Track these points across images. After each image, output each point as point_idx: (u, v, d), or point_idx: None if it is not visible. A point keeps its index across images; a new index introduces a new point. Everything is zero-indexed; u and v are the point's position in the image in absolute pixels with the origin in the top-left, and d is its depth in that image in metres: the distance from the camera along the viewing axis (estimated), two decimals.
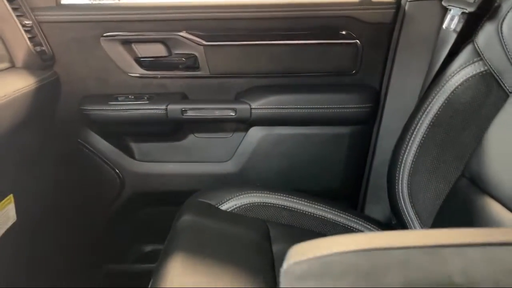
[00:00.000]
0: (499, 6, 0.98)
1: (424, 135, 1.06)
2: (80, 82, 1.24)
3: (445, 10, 1.10)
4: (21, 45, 1.03)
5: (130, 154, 1.34)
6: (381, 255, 0.35)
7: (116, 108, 1.24)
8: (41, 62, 1.09)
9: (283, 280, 0.36)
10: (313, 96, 1.25)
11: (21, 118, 0.97)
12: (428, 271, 0.33)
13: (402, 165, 1.07)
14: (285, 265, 0.37)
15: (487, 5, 1.01)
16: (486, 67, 0.97)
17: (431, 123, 1.04)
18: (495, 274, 0.33)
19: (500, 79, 0.94)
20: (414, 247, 0.36)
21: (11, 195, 0.95)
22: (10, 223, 0.95)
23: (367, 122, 1.30)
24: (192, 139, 1.35)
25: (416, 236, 0.38)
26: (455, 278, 0.33)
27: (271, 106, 1.25)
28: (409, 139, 1.07)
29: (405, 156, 1.08)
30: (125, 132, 1.33)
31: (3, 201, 0.92)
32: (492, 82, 0.96)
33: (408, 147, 1.07)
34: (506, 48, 0.93)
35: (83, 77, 1.24)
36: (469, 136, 1.00)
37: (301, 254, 0.37)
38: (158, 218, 1.37)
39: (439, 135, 1.04)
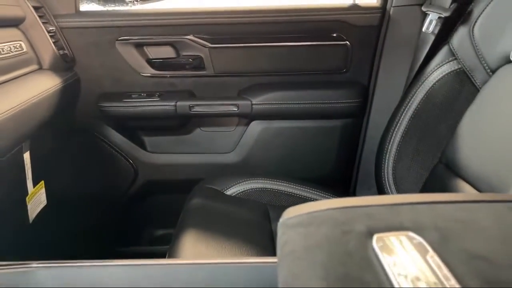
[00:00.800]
0: (471, 11, 1.08)
1: (407, 127, 1.16)
2: (97, 81, 1.33)
3: (425, 15, 1.20)
4: (47, 49, 1.14)
5: (143, 146, 1.44)
6: (352, 210, 0.47)
7: (130, 105, 1.34)
8: (64, 64, 1.20)
9: (279, 230, 0.47)
10: (307, 92, 1.34)
11: (49, 114, 1.08)
12: (385, 220, 0.45)
13: (388, 153, 1.18)
14: (281, 220, 0.48)
15: (460, 10, 1.12)
16: (459, 66, 1.07)
17: (413, 116, 1.15)
18: (436, 221, 0.45)
19: (471, 76, 1.05)
20: (377, 205, 0.47)
21: (42, 182, 1.06)
22: (41, 206, 1.06)
23: (357, 116, 1.40)
24: (198, 132, 1.45)
25: (380, 198, 0.50)
26: (404, 223, 0.44)
27: (270, 102, 1.35)
28: (394, 130, 1.17)
29: (390, 145, 1.18)
30: (137, 126, 1.43)
31: (36, 186, 1.03)
32: (465, 79, 1.06)
33: (393, 137, 1.17)
34: (477, 49, 1.03)
35: (100, 77, 1.33)
36: (445, 126, 1.10)
37: (293, 212, 0.49)
38: (168, 204, 1.46)
39: (419, 126, 1.14)
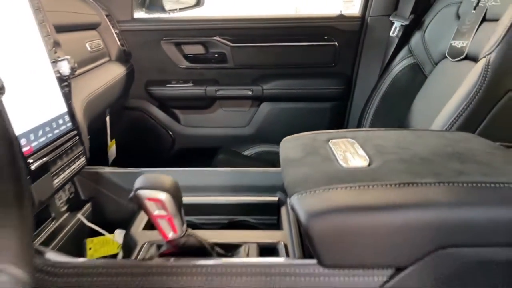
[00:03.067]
0: (423, 21, 1.44)
1: (377, 107, 1.51)
2: (146, 71, 1.69)
3: (392, 23, 1.56)
4: (114, 46, 1.50)
5: (178, 121, 1.79)
6: (321, 134, 0.84)
7: (170, 89, 1.70)
8: (124, 57, 1.56)
9: (280, 149, 0.82)
10: (305, 81, 1.70)
11: (116, 93, 1.44)
12: (338, 136, 0.82)
13: (364, 126, 1.53)
14: (281, 143, 0.84)
15: (416, 20, 1.48)
16: (415, 60, 1.43)
17: (381, 98, 1.50)
18: (367, 135, 0.81)
19: (422, 68, 1.40)
20: (336, 131, 0.85)
21: (114, 140, 1.43)
22: (113, 157, 1.43)
23: (342, 99, 1.75)
24: (221, 111, 1.80)
25: (338, 130, 0.87)
26: (348, 136, 0.81)
27: (276, 88, 1.70)
28: (368, 110, 1.52)
29: (365, 122, 1.53)
30: (175, 106, 1.78)
31: (112, 141, 1.40)
32: (418, 70, 1.42)
33: (367, 116, 1.52)
34: (426, 48, 1.39)
35: (148, 68, 1.69)
36: (404, 105, 1.45)
37: (288, 138, 0.85)
38: (196, 166, 1.81)
39: (386, 106, 1.50)
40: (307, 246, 0.71)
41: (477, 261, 0.55)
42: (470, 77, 0.95)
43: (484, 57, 0.94)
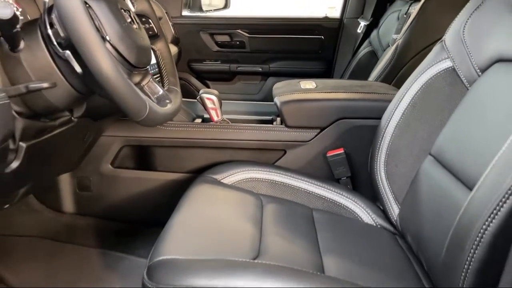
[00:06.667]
0: (379, 22, 2.03)
1: (347, 79, 2.10)
2: (188, 52, 2.30)
3: (359, 23, 2.15)
4: (170, 33, 2.13)
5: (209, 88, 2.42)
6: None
7: (205, 65, 2.33)
8: (176, 41, 2.18)
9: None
10: (299, 62, 2.31)
11: None
12: None
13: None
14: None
15: (374, 21, 2.07)
16: (372, 49, 2.02)
17: (350, 74, 2.09)
18: None
19: (376, 53, 1.99)
20: None
21: None
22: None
23: (325, 76, 2.33)
24: (239, 84, 2.41)
25: None
26: None
27: (279, 67, 2.31)
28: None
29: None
30: (208, 77, 2.38)
31: None
32: (373, 55, 2.01)
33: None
34: (379, 40, 1.98)
35: (190, 50, 2.30)
36: (364, 78, 2.04)
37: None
38: None
39: (353, 79, 2.09)
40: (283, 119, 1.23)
41: (358, 126, 1.15)
42: (388, 52, 1.55)
43: (397, 42, 1.54)
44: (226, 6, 2.37)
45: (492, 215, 0.56)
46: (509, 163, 0.59)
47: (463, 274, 0.59)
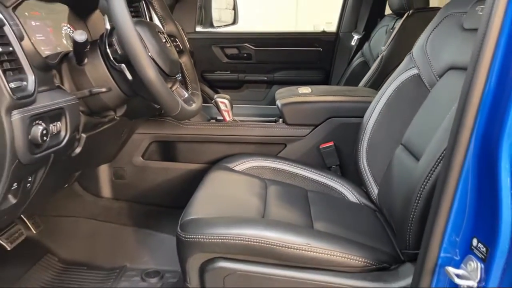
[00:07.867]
0: (370, 35, 2.27)
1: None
2: (201, 64, 2.53)
3: (353, 37, 2.38)
4: (185, 47, 2.37)
5: None
6: None
7: (216, 75, 2.57)
8: (190, 54, 2.43)
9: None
10: (300, 71, 2.54)
11: None
12: None
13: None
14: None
15: (366, 35, 2.30)
16: (364, 59, 2.25)
17: (345, 82, 2.32)
18: None
19: (368, 63, 2.21)
20: None
21: None
22: None
23: (323, 84, 2.55)
24: (247, 91, 2.64)
25: None
26: None
27: (282, 76, 2.55)
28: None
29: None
30: (218, 86, 2.61)
31: None
32: (365, 65, 2.23)
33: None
34: (371, 52, 2.21)
35: (203, 62, 2.54)
36: (356, 84, 2.26)
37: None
38: None
39: (348, 85, 2.31)
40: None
41: (345, 123, 1.38)
42: (376, 62, 1.78)
43: (382, 53, 1.77)
44: (234, 22, 2.61)
45: (428, 176, 0.78)
46: (445, 135, 0.72)
47: (409, 222, 0.81)
